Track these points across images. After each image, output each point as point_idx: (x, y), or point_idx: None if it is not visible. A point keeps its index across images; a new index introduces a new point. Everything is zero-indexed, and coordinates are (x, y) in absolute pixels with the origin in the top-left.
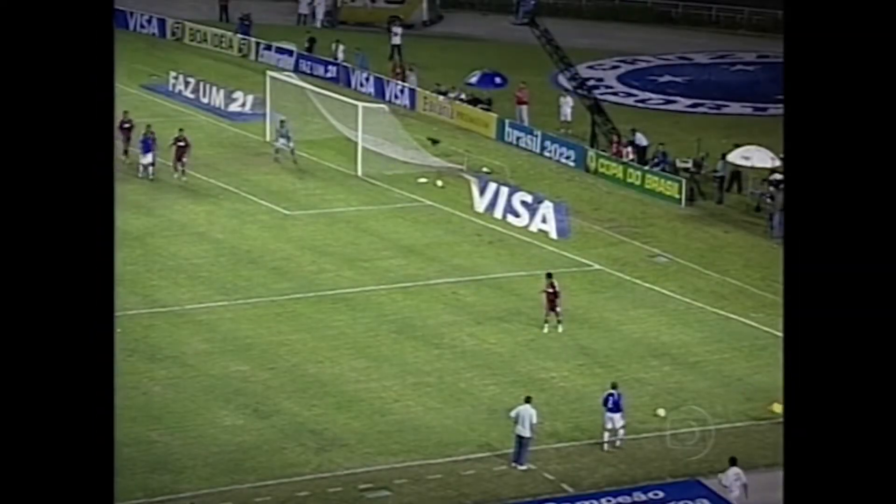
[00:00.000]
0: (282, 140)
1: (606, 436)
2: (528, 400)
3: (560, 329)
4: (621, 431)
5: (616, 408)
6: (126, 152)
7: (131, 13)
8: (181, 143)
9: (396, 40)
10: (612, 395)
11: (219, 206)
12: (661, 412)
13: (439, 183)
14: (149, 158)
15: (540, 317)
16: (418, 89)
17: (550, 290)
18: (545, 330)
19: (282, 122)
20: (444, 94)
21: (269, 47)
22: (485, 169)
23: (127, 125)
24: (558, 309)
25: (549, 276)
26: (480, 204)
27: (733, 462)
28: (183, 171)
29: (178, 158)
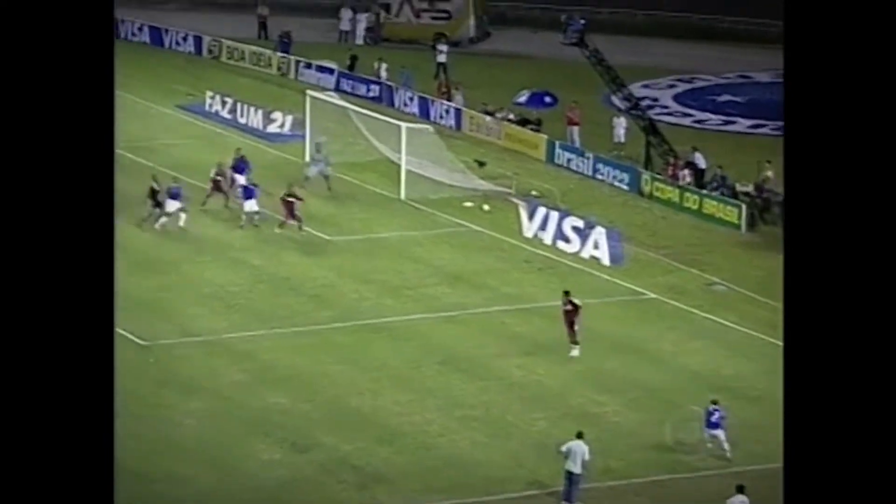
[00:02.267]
0: (314, 168)
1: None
2: (579, 435)
3: (576, 352)
4: (726, 445)
5: (716, 425)
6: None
7: (166, 30)
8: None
9: (442, 58)
10: (714, 410)
11: (256, 231)
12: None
13: (486, 207)
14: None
15: (582, 345)
16: (464, 109)
17: (569, 308)
18: (574, 353)
19: (317, 145)
20: (492, 114)
21: (309, 65)
22: (534, 192)
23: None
24: (576, 328)
25: (567, 293)
26: (529, 229)
27: (741, 489)
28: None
29: (291, 213)
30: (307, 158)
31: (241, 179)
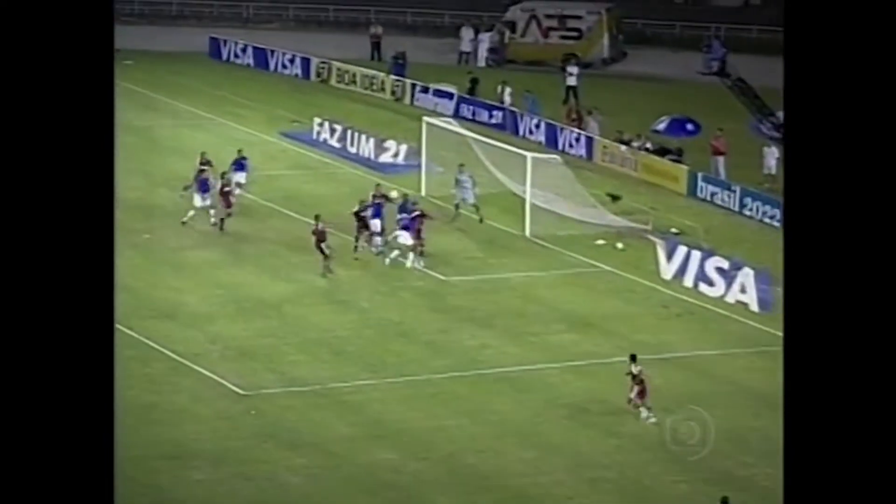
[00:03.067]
0: (463, 192)
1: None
2: (724, 501)
3: (652, 419)
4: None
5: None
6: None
7: (272, 52)
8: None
9: (572, 81)
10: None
11: (366, 271)
12: None
13: (620, 245)
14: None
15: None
16: (596, 137)
17: (635, 374)
18: (645, 416)
19: (460, 167)
20: (627, 142)
21: (425, 90)
22: (673, 230)
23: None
24: (646, 398)
25: (634, 358)
26: (668, 270)
27: (724, 502)
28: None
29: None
30: (423, 190)
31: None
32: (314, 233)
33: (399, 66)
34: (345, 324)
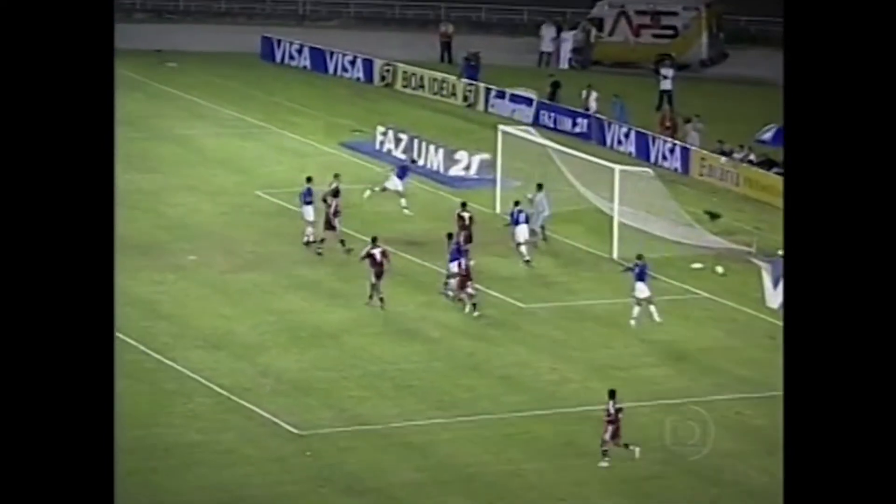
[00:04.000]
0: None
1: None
2: None
3: (476, 313)
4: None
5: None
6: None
7: (331, 53)
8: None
9: (667, 85)
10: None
11: (433, 296)
12: None
13: (719, 269)
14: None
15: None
16: (693, 149)
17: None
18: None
19: (539, 186)
20: (729, 153)
21: (501, 95)
22: (781, 252)
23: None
24: (469, 290)
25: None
26: (775, 298)
27: None
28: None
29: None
30: (498, 207)
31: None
32: (368, 255)
33: (472, 68)
34: (410, 356)
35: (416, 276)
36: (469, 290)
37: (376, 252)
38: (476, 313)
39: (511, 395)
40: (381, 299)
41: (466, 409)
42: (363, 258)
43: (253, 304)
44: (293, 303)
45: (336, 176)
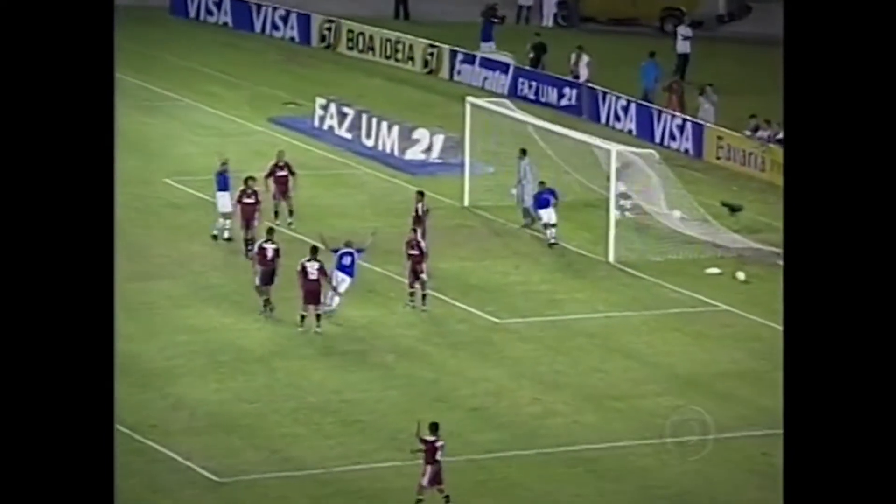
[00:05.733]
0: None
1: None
2: None
3: (425, 305)
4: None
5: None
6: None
7: (258, 7)
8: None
9: (684, 47)
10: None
11: (388, 310)
12: None
13: (741, 275)
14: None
15: None
16: (709, 125)
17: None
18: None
19: (523, 151)
20: (753, 131)
21: (470, 59)
22: None
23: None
24: (423, 276)
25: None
26: None
27: None
28: None
29: None
30: (466, 199)
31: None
32: (258, 251)
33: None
34: (358, 384)
35: (365, 283)
36: (423, 275)
37: (269, 248)
38: (424, 307)
39: (484, 432)
40: (272, 308)
41: None
42: (252, 253)
43: (161, 321)
44: (212, 319)
45: (280, 153)
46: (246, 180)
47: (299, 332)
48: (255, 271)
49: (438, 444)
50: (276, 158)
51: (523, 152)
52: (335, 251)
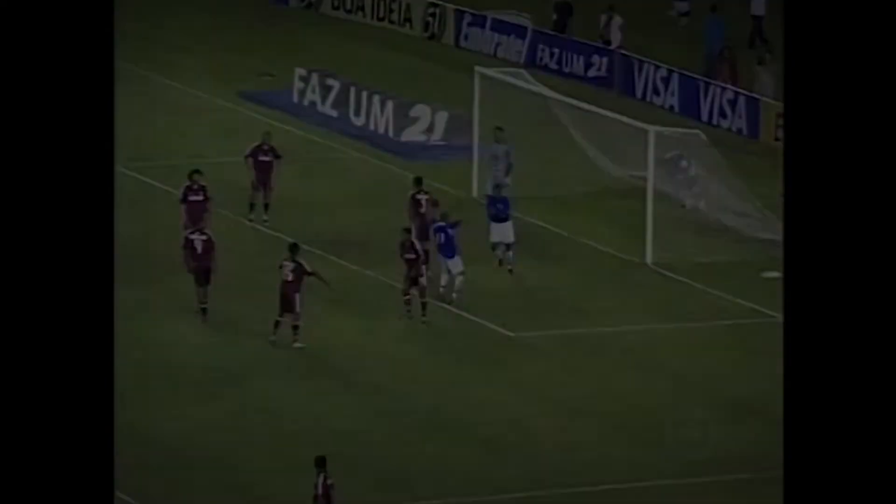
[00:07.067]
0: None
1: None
2: None
3: (425, 315)
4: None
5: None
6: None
7: None
8: None
9: (759, 8)
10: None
11: (381, 321)
12: None
13: (773, 274)
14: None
15: None
16: (766, 100)
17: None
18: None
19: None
20: None
21: (480, 21)
22: None
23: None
24: (422, 280)
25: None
26: None
27: None
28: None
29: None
30: (475, 189)
31: None
32: (187, 244)
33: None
34: (344, 409)
35: (353, 291)
36: (422, 279)
37: (197, 239)
38: (424, 317)
39: (500, 468)
40: (205, 310)
41: (429, 489)
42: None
43: (117, 336)
44: (173, 333)
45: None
46: (191, 174)
47: (271, 340)
48: (187, 268)
49: (324, 482)
50: (261, 140)
51: (500, 131)
52: (433, 223)
